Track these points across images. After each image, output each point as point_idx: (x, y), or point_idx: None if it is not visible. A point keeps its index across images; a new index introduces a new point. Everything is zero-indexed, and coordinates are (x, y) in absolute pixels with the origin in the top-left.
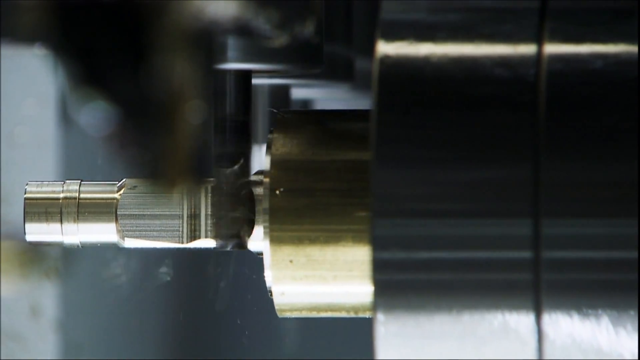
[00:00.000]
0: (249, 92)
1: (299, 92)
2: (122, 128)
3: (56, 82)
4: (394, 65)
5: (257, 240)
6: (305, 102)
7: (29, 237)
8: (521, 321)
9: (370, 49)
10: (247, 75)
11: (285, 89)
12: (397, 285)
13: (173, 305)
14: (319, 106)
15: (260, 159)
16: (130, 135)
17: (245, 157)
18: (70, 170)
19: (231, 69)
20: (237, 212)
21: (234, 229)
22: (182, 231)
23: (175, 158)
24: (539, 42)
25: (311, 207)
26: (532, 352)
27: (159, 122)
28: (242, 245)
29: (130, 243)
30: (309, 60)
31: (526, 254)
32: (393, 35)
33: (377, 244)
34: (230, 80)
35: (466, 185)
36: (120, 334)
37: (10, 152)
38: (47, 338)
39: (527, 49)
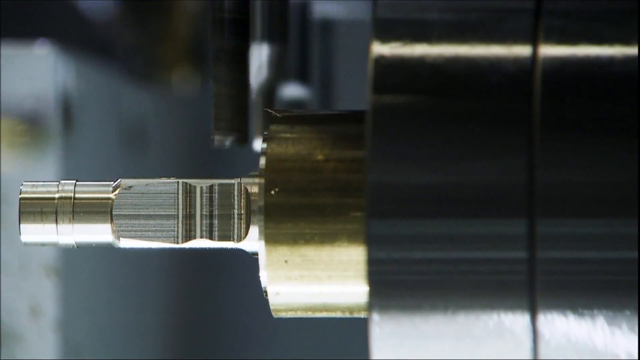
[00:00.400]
0: None
1: (321, 7)
2: (121, 12)
3: (56, 82)
4: (389, 65)
5: (253, 241)
6: (326, 22)
7: (24, 238)
8: (516, 321)
9: None
10: None
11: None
12: (392, 285)
13: (173, 305)
14: (341, 26)
15: (258, 57)
16: (128, 19)
17: (243, 53)
18: (70, 170)
19: None
20: (235, 106)
21: (233, 123)
22: (178, 231)
23: (172, 43)
24: (534, 41)
25: (306, 207)
26: (527, 352)
27: (157, 6)
28: (244, 139)
29: (126, 243)
30: None
31: (521, 254)
32: (388, 35)
33: (372, 244)
34: None
35: (461, 184)
36: (120, 334)
37: (10, 152)
38: (47, 338)
39: (522, 49)
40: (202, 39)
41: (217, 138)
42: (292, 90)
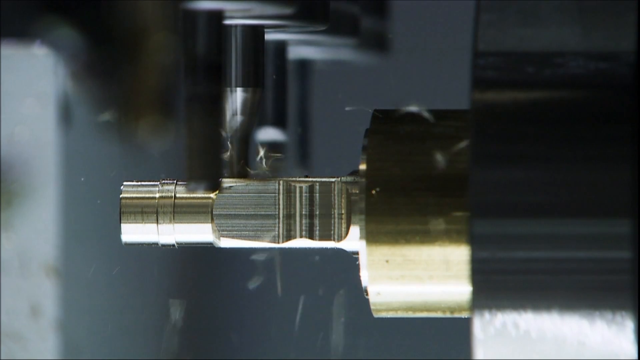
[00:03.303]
0: (220, 33)
1: (298, 51)
2: (89, 60)
3: (56, 82)
4: (490, 67)
5: (353, 240)
6: (304, 62)
7: (125, 238)
8: (620, 321)
9: (376, 6)
10: (218, 15)
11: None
12: (495, 285)
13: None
14: (318, 68)
15: (232, 104)
16: (97, 67)
17: (217, 99)
18: (70, 170)
19: (204, 9)
20: (209, 154)
21: (207, 172)
22: (278, 231)
23: (142, 93)
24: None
25: (407, 207)
26: (632, 352)
27: (127, 55)
28: (217, 187)
29: (226, 243)
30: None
31: (625, 254)
32: (490, 45)
33: (476, 244)
34: (202, 20)
35: (565, 184)
36: (120, 334)
37: (11, 152)
38: (47, 338)
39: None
40: (173, 85)
41: (189, 186)
42: (268, 134)
